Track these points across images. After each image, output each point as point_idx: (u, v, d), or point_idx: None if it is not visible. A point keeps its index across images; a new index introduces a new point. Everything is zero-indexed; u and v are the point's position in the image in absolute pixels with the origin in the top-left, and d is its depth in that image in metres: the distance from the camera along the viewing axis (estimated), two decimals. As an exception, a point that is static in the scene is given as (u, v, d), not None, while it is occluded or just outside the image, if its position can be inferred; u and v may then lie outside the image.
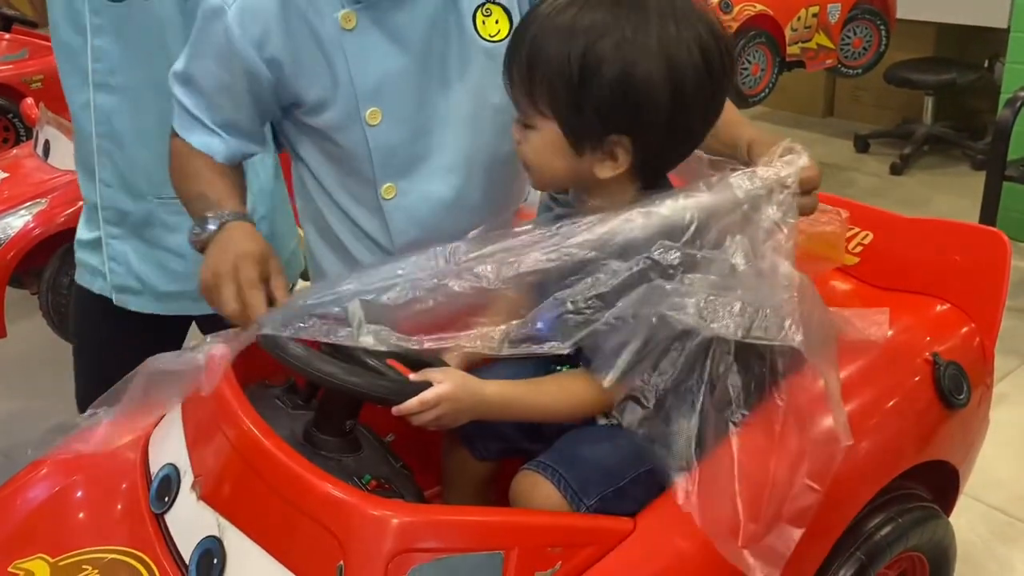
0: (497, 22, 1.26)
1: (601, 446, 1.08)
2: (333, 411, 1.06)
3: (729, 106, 1.11)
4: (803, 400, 1.01)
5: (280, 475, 0.94)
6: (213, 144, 1.25)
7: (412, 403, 0.97)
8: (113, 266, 1.57)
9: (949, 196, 3.87)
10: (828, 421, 1.01)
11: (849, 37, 3.89)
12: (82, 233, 1.63)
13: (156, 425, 1.22)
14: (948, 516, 1.26)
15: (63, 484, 1.17)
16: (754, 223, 0.98)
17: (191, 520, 1.01)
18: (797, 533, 0.96)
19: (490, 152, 1.29)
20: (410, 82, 1.23)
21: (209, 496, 1.00)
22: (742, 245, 0.98)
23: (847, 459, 1.04)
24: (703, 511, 0.96)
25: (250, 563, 0.93)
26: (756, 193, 0.99)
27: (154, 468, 1.12)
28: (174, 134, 1.28)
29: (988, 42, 4.10)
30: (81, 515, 1.13)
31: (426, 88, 1.25)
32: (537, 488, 1.02)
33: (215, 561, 0.95)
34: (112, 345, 1.60)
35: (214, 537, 0.97)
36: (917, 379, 1.16)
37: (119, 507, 1.12)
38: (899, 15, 3.98)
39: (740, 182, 0.98)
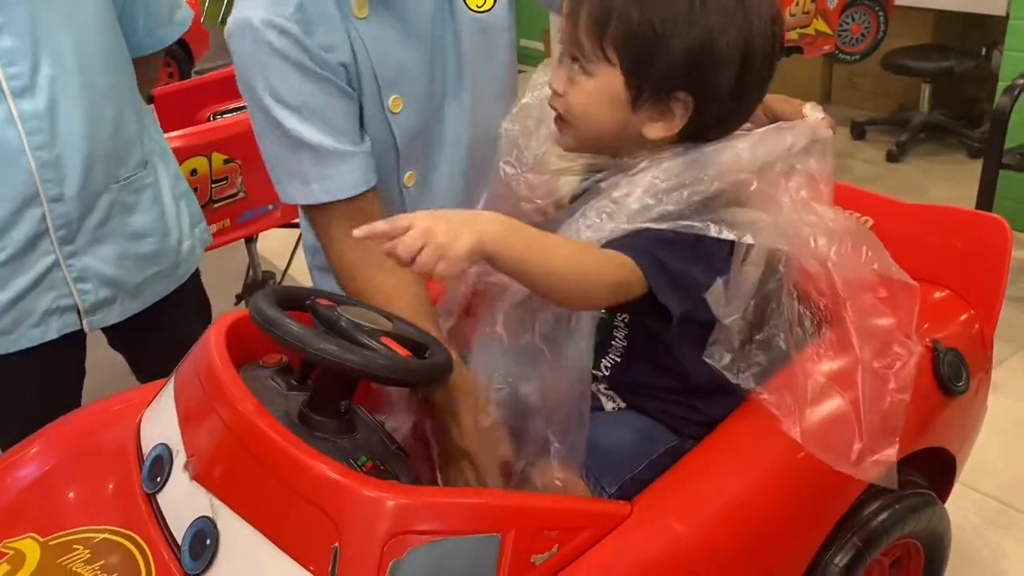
0: None
1: (616, 432, 1.08)
2: (328, 391, 1.05)
3: None
4: (869, 315, 1.04)
5: (274, 455, 0.93)
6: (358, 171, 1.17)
7: (383, 226, 0.85)
8: (82, 287, 1.43)
9: (945, 184, 3.86)
10: (895, 334, 1.05)
11: (847, 23, 3.87)
12: (9, 290, 1.38)
13: (149, 404, 1.21)
14: (944, 503, 1.26)
15: (54, 463, 1.16)
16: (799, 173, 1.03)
17: (184, 500, 1.00)
18: (897, 441, 1.00)
19: (490, 123, 1.28)
20: (422, 64, 1.24)
21: (202, 476, 0.99)
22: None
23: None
24: (814, 438, 0.99)
25: (243, 544, 0.92)
26: (800, 144, 1.03)
27: (146, 448, 1.11)
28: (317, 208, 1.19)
29: (986, 30, 4.08)
30: (72, 494, 1.11)
31: (433, 69, 1.25)
32: (561, 478, 1.01)
33: (208, 542, 0.94)
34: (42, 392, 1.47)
35: (207, 518, 0.95)
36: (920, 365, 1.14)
37: (111, 486, 1.11)
38: (897, 2, 3.96)
39: (786, 134, 1.03)
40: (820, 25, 3.74)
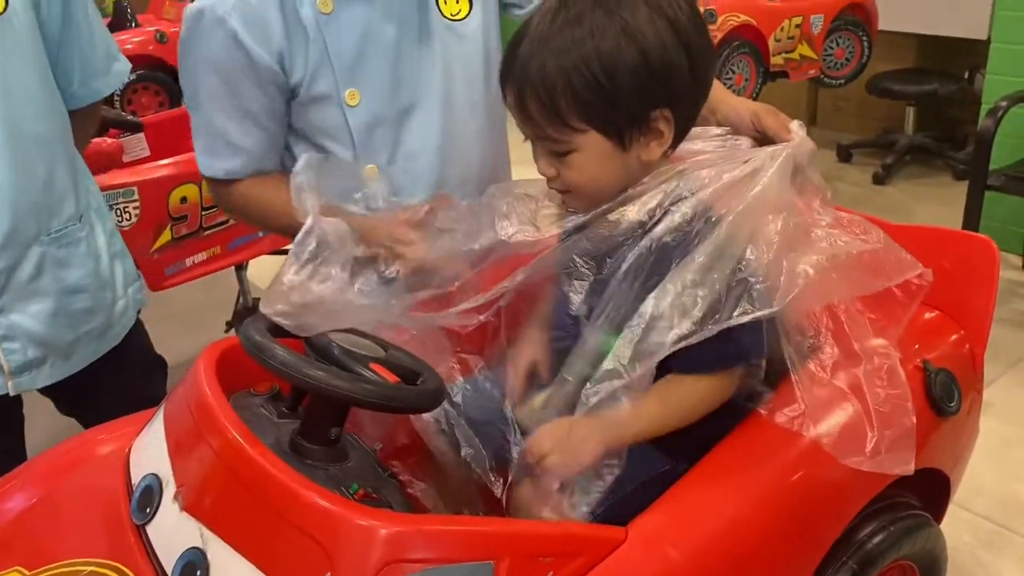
0: (458, 1, 1.33)
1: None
2: (319, 418, 1.04)
3: (717, 84, 1.15)
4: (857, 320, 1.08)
5: (265, 484, 0.92)
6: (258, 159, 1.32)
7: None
8: (8, 346, 1.34)
9: (931, 205, 3.90)
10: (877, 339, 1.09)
11: (832, 48, 3.92)
12: None
13: (138, 434, 1.20)
14: (939, 524, 1.25)
15: (40, 495, 1.14)
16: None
17: (174, 531, 0.99)
18: (911, 430, 1.03)
19: (463, 130, 1.35)
20: (385, 61, 1.28)
21: (192, 506, 0.98)
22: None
23: (839, 467, 1.04)
24: (828, 438, 1.02)
25: (234, 575, 0.91)
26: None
27: (135, 478, 1.10)
28: (218, 181, 1.33)
29: (968, 54, 4.13)
30: (59, 526, 1.10)
31: (399, 67, 1.29)
32: (545, 499, 1.00)
33: (198, 573, 0.92)
34: None
35: (197, 548, 0.94)
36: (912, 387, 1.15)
37: (99, 518, 1.09)
38: (881, 27, 4.01)
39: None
40: (805, 50, 3.78)
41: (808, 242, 1.07)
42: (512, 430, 1.14)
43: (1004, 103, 2.90)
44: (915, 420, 1.03)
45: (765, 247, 1.01)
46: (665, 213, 1.03)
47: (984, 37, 3.77)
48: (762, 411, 1.07)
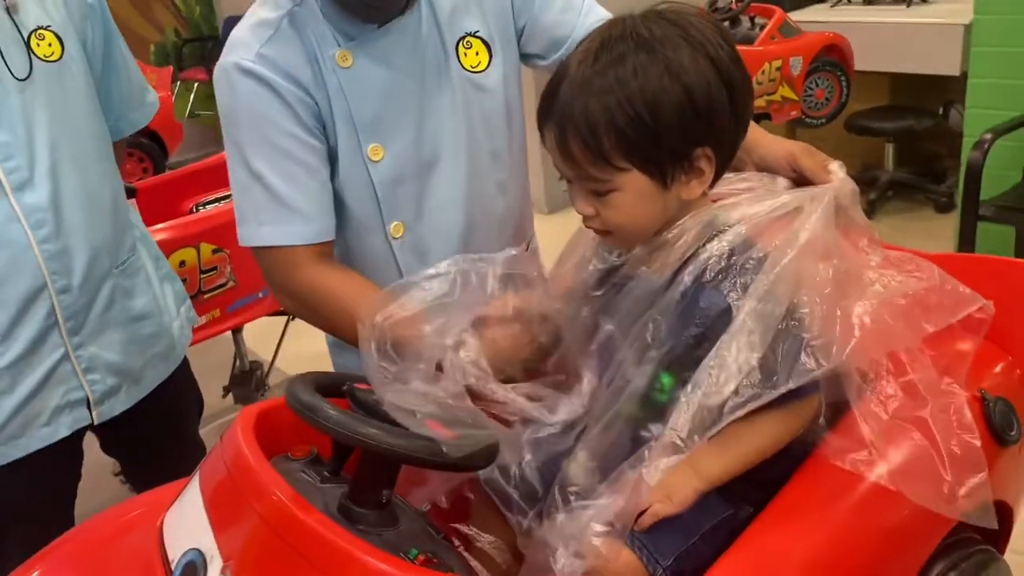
0: (477, 54, 1.31)
1: None
2: (370, 480, 0.99)
3: (751, 123, 1.14)
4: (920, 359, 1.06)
5: (329, 555, 0.87)
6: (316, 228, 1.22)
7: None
8: (92, 377, 1.39)
9: (918, 239, 3.93)
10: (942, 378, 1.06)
11: (812, 88, 3.98)
12: (18, 391, 1.33)
13: (170, 507, 1.14)
14: (1002, 555, 1.22)
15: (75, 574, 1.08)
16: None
17: (224, 610, 0.93)
18: (985, 474, 1.01)
19: (487, 181, 1.33)
20: (408, 115, 1.26)
21: (244, 581, 0.92)
22: None
23: (912, 505, 1.01)
24: (902, 480, 0.99)
25: (298, 654, 0.85)
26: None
27: (173, 554, 1.04)
28: (278, 257, 1.22)
29: (940, 89, 4.22)
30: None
31: (423, 121, 1.27)
32: (612, 553, 0.95)
33: (257, 654, 0.87)
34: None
35: (253, 627, 0.89)
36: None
37: (136, 601, 1.03)
38: (856, 67, 4.09)
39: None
40: (786, 91, 3.84)
41: (860, 286, 1.06)
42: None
43: (989, 136, 2.94)
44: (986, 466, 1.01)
45: (818, 299, 0.99)
46: (707, 243, 1.02)
47: (956, 73, 3.86)
48: (826, 452, 1.03)
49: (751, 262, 0.99)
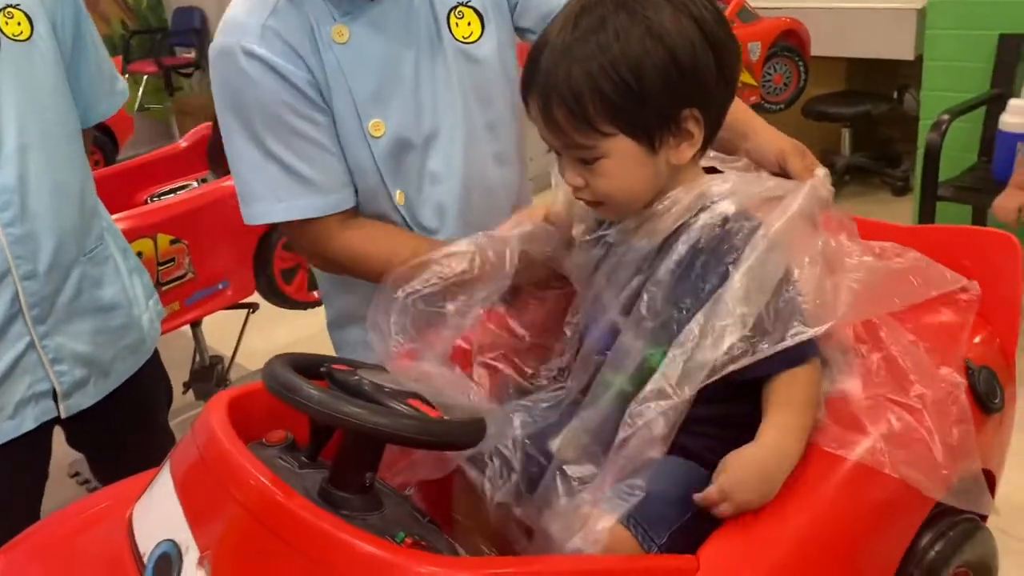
0: (469, 24, 1.30)
1: (661, 480, 1.01)
2: (353, 462, 0.95)
3: (751, 111, 1.15)
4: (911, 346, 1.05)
5: (313, 539, 0.83)
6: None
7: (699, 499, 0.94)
8: (59, 368, 1.35)
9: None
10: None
11: (770, 74, 4.00)
12: None
13: (139, 498, 1.09)
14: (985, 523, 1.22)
15: (41, 571, 1.03)
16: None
17: (202, 602, 0.89)
18: (978, 461, 1.02)
19: (484, 153, 1.33)
20: (405, 88, 1.25)
21: (224, 571, 0.88)
22: None
23: (901, 482, 1.01)
24: (903, 468, 0.98)
25: (284, 644, 0.81)
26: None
27: (145, 547, 0.99)
28: (302, 226, 1.24)
29: (895, 74, 4.28)
30: (63, 608, 0.98)
31: (420, 93, 1.26)
32: (606, 531, 0.93)
33: (240, 646, 0.83)
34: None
35: (235, 618, 0.85)
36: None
37: (107, 596, 0.98)
38: (811, 52, 4.12)
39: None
40: (745, 77, 3.85)
41: (845, 267, 1.05)
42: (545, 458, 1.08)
43: (947, 116, 2.98)
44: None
45: (809, 265, 0.99)
46: (700, 213, 1.00)
47: (910, 57, 3.91)
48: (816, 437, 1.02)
49: (746, 229, 0.98)
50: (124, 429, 1.47)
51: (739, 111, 1.20)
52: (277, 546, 0.85)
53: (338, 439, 1.11)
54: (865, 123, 4.36)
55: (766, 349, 0.94)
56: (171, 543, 0.95)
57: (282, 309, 2.84)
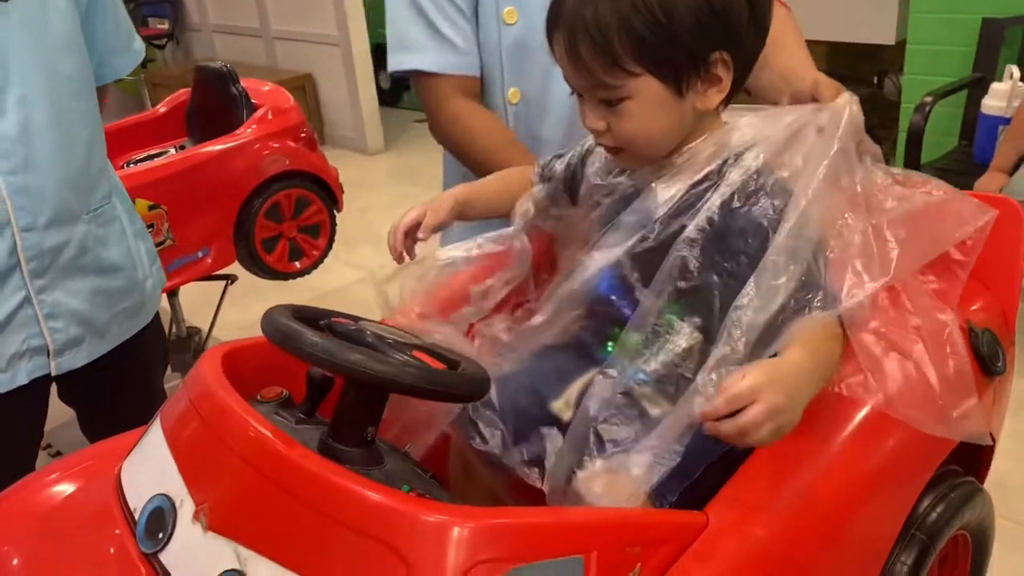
0: None
1: None
2: (354, 414, 0.93)
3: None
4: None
5: (317, 489, 0.80)
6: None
7: (720, 406, 0.81)
8: (53, 324, 1.32)
9: (855, 206, 3.99)
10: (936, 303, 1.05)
11: (753, 55, 4.00)
12: None
13: (128, 454, 1.05)
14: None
15: (16, 536, 0.99)
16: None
17: (199, 556, 0.86)
18: (975, 395, 1.00)
19: None
20: None
21: (221, 525, 0.85)
22: None
23: (908, 440, 1.00)
24: (898, 404, 0.96)
25: (286, 596, 0.79)
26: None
27: (135, 502, 0.96)
28: (430, 83, 1.39)
29: (875, 60, 4.30)
30: (53, 564, 0.95)
31: None
32: (617, 487, 0.91)
33: (239, 598, 0.80)
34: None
35: (235, 571, 0.82)
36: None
37: (95, 551, 0.95)
38: (794, 35, 4.12)
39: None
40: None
41: (881, 206, 1.04)
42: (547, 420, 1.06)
43: (930, 99, 2.99)
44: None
45: (849, 219, 0.98)
46: (724, 167, 0.98)
47: (891, 42, 3.92)
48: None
49: (778, 184, 0.96)
50: (118, 391, 1.44)
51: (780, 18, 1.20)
52: (279, 497, 0.82)
53: (335, 396, 1.08)
54: (846, 108, 4.37)
55: (821, 305, 0.91)
56: (164, 497, 0.92)
57: (259, 282, 2.79)
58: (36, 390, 1.36)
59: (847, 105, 1.06)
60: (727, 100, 1.01)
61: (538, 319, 1.09)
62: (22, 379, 1.31)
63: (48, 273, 1.30)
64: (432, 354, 0.96)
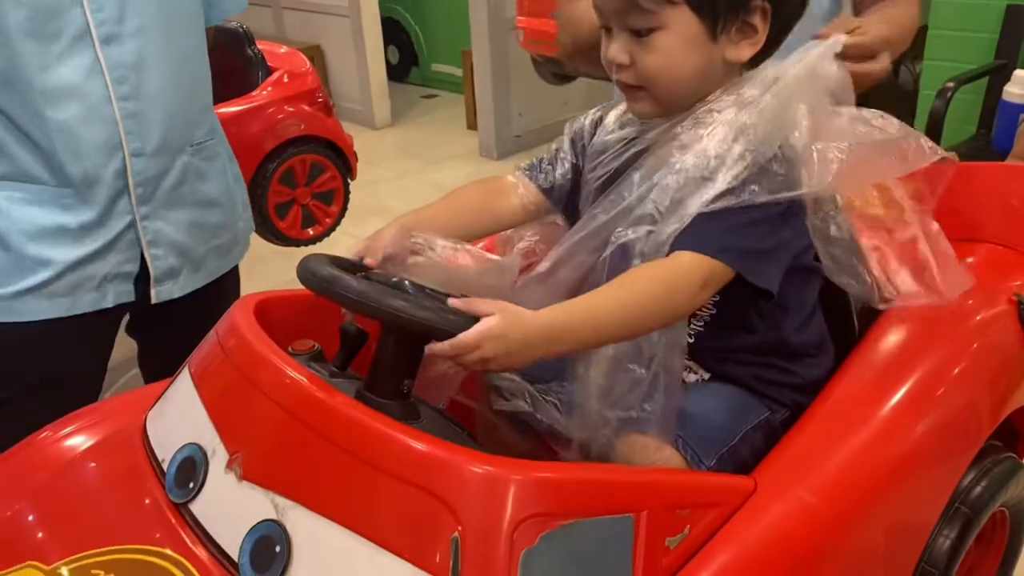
0: None
1: (707, 403, 0.97)
2: (392, 364, 0.90)
3: None
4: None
5: (362, 437, 0.77)
6: None
7: (444, 346, 0.81)
8: (155, 252, 1.35)
9: (868, 193, 3.96)
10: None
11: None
12: (77, 249, 1.28)
13: (154, 404, 1.03)
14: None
15: (46, 478, 0.96)
16: None
17: (232, 505, 0.83)
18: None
19: None
20: None
21: (256, 474, 0.82)
22: None
23: (958, 412, 0.98)
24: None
25: (326, 546, 0.76)
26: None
27: (163, 453, 0.94)
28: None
29: (891, 47, 4.25)
30: (77, 513, 0.92)
31: None
32: (656, 450, 0.89)
33: (277, 549, 0.78)
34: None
35: (272, 521, 0.79)
36: (1006, 322, 1.09)
37: (123, 500, 0.93)
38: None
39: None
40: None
41: (832, 130, 1.01)
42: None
43: (952, 84, 2.95)
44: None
45: (801, 134, 0.96)
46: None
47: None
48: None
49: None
50: (192, 329, 1.42)
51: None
52: (321, 446, 0.79)
53: (368, 351, 1.06)
54: (860, 97, 4.34)
55: (754, 196, 0.89)
56: (195, 447, 0.90)
57: (262, 251, 2.75)
58: (112, 317, 1.38)
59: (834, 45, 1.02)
60: (756, 60, 0.97)
61: (545, 265, 1.04)
62: (108, 302, 1.33)
63: (152, 200, 1.33)
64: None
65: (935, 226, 1.11)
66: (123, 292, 1.35)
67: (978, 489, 1.05)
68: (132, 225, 1.32)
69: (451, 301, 0.84)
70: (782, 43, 1.00)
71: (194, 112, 1.38)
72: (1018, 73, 2.94)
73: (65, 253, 1.27)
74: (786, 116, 0.94)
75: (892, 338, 1.02)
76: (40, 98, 1.20)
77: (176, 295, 1.40)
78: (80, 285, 1.30)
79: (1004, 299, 1.10)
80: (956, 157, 1.13)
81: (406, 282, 0.92)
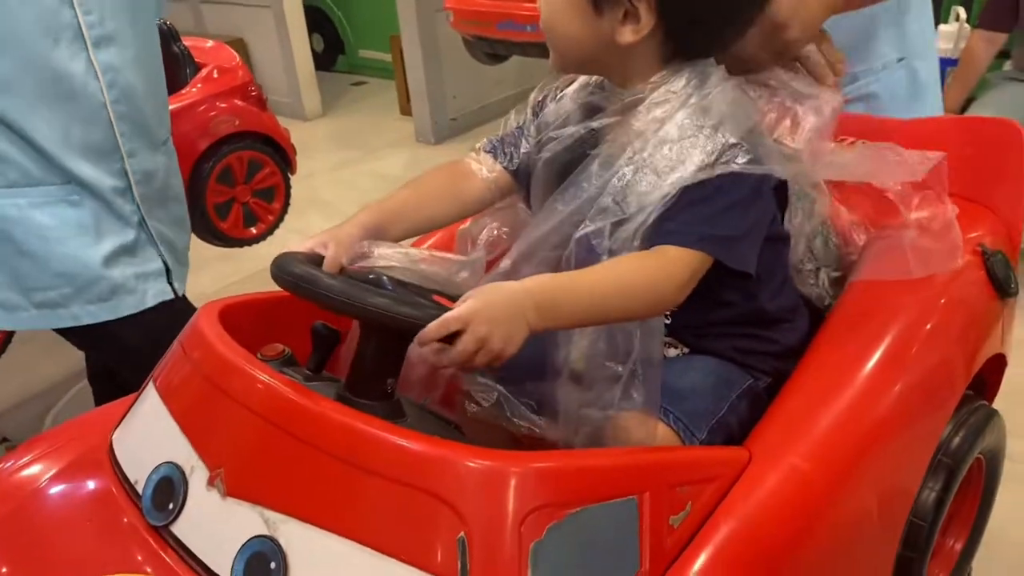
0: None
1: (689, 376, 0.96)
2: (375, 364, 0.87)
3: None
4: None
5: (351, 440, 0.74)
6: None
7: (430, 329, 0.77)
8: (163, 249, 1.39)
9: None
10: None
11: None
12: (99, 249, 1.30)
13: (118, 424, 0.98)
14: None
15: (4, 515, 0.91)
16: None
17: (220, 524, 0.79)
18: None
19: None
20: None
21: (241, 489, 0.79)
22: None
23: (935, 367, 0.99)
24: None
25: (324, 557, 0.73)
26: None
27: (136, 474, 0.89)
28: None
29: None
30: (47, 547, 0.87)
31: None
32: (648, 428, 0.88)
33: (272, 565, 0.74)
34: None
35: (264, 537, 0.76)
36: (974, 272, 1.10)
37: (99, 529, 0.87)
38: None
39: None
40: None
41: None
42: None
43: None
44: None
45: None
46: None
47: None
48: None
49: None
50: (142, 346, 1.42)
51: None
52: (307, 453, 0.76)
53: (340, 352, 1.02)
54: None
55: (719, 168, 0.88)
56: (171, 465, 0.85)
57: (200, 253, 2.67)
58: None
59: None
60: (664, 46, 0.93)
61: (506, 263, 1.02)
62: (151, 301, 1.36)
63: (148, 199, 1.37)
64: (451, 298, 0.90)
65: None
66: (160, 291, 1.38)
67: (957, 439, 1.06)
68: (143, 223, 1.35)
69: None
70: (718, 43, 0.97)
71: (163, 110, 1.43)
72: (942, 28, 3.00)
73: (88, 254, 1.30)
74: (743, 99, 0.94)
75: (864, 301, 1.03)
76: (40, 101, 1.24)
77: (181, 292, 1.43)
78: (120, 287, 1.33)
79: (968, 250, 1.11)
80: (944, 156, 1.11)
81: (384, 278, 0.89)
